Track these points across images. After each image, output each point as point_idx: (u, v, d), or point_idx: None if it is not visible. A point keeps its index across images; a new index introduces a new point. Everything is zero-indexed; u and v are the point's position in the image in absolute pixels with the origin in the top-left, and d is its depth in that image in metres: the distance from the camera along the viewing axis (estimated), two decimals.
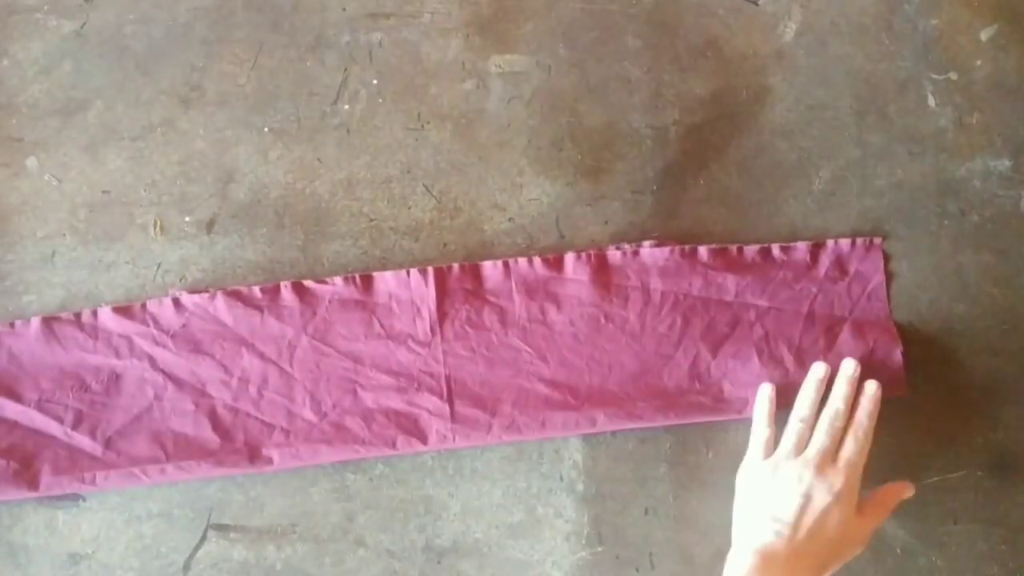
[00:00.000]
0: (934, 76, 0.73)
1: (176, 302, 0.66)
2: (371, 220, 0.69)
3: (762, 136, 0.71)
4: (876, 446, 0.66)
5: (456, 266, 0.67)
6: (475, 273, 0.67)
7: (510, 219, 0.70)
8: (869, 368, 0.65)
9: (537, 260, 0.67)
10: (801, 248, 0.68)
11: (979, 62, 0.73)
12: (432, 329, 0.66)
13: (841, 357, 0.65)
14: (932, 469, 0.67)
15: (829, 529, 0.57)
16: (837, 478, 0.58)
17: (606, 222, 0.70)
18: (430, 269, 0.66)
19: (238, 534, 0.64)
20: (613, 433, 0.66)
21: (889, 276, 0.69)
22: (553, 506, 0.65)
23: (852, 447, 0.59)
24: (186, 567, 0.64)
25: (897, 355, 0.66)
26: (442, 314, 0.66)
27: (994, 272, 0.70)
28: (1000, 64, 0.73)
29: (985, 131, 0.72)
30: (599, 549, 0.65)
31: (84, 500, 0.65)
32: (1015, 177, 0.71)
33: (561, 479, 0.66)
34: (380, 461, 0.65)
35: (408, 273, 0.67)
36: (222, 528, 0.64)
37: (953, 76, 0.73)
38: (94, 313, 0.66)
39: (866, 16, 0.74)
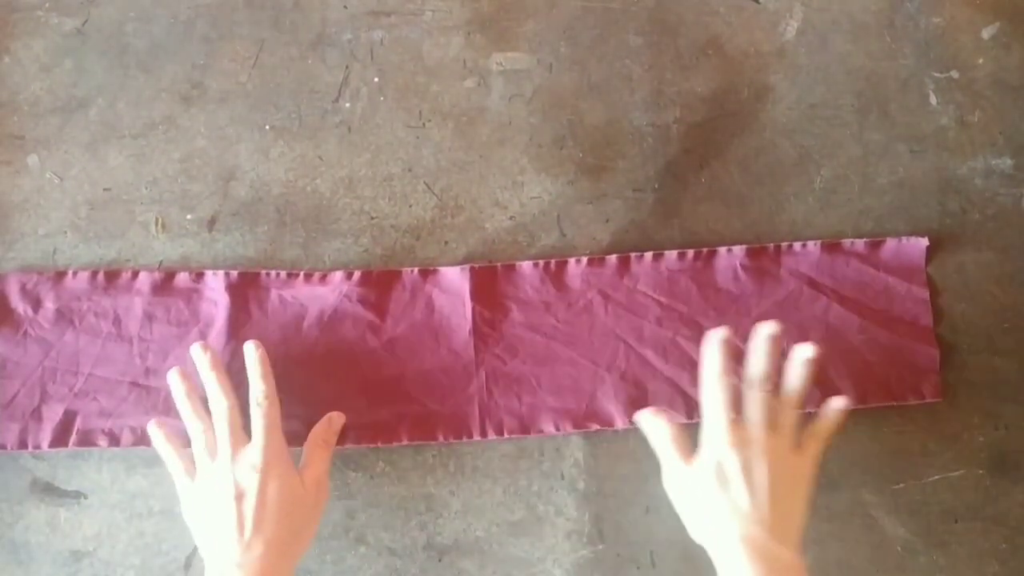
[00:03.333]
0: (936, 74, 0.73)
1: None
2: (372, 218, 0.69)
3: (763, 134, 0.71)
4: (878, 444, 0.66)
5: (499, 266, 0.67)
6: (518, 273, 0.68)
7: (511, 217, 0.70)
8: (906, 373, 0.67)
9: (584, 260, 0.68)
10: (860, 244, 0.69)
11: (981, 60, 0.73)
12: (471, 329, 0.66)
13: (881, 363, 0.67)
14: (933, 467, 0.67)
15: (782, 485, 0.55)
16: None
17: (607, 220, 0.70)
18: (468, 267, 0.67)
19: None
20: (614, 431, 0.66)
21: None
22: (554, 504, 0.66)
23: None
24: (187, 564, 0.64)
25: (934, 358, 0.67)
26: (480, 313, 0.66)
27: (995, 270, 0.70)
28: (1002, 62, 0.73)
29: (987, 129, 0.72)
30: (600, 547, 0.65)
31: (86, 497, 0.65)
32: (1017, 176, 0.71)
33: (562, 477, 0.66)
34: (381, 459, 0.65)
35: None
36: None
37: (955, 74, 0.73)
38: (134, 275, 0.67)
39: (868, 14, 0.74)
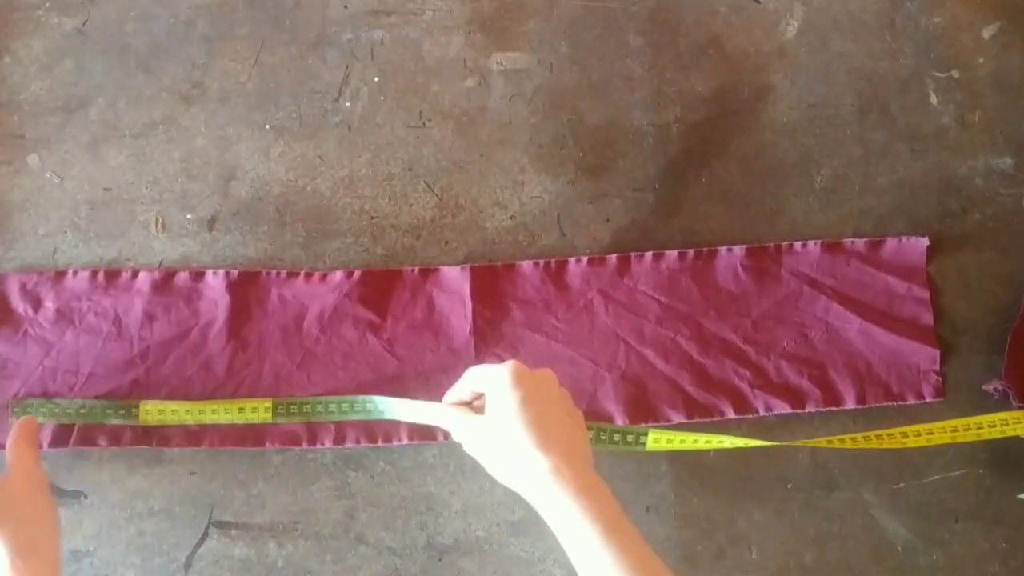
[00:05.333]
0: (936, 74, 0.73)
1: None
2: (372, 218, 0.69)
3: (764, 134, 0.71)
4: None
5: (499, 265, 0.67)
6: (518, 272, 0.68)
7: (511, 217, 0.70)
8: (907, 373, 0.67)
9: (584, 259, 0.68)
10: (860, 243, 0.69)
11: (981, 60, 0.73)
12: (472, 329, 0.66)
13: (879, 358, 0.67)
14: (933, 467, 0.67)
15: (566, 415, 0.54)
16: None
17: (608, 220, 0.70)
18: (468, 266, 0.67)
19: (239, 531, 0.64)
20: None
21: None
22: None
23: None
24: (187, 564, 0.64)
25: (935, 360, 0.67)
26: (480, 312, 0.66)
27: (996, 270, 0.70)
28: (1002, 62, 0.73)
29: (987, 129, 0.72)
30: None
31: (86, 497, 0.65)
32: (1017, 175, 0.71)
33: None
34: (382, 459, 0.65)
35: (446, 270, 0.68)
36: (223, 525, 0.64)
37: (955, 74, 0.73)
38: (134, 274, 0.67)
39: (868, 14, 0.74)
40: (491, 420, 0.53)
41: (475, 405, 0.56)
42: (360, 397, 0.64)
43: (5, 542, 0.52)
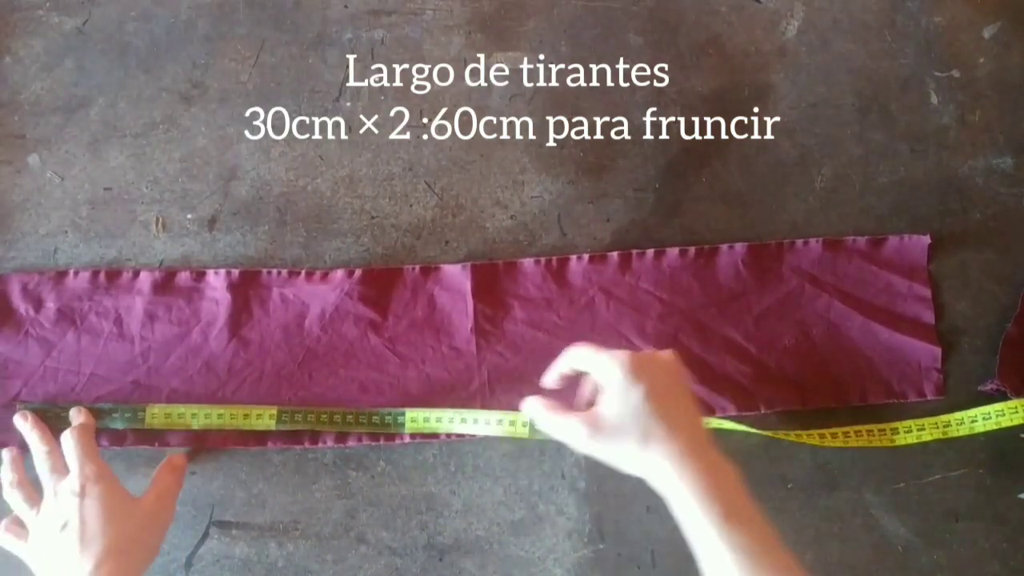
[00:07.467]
0: (937, 74, 0.73)
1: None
2: (373, 217, 0.69)
3: (764, 134, 0.71)
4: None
5: (501, 263, 0.68)
6: (520, 270, 0.68)
7: (512, 216, 0.70)
8: (908, 367, 0.67)
9: (585, 257, 0.68)
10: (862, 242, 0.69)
11: (982, 60, 0.73)
12: (473, 327, 0.66)
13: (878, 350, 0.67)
14: (934, 467, 0.67)
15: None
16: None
17: (608, 219, 0.70)
18: (469, 264, 0.67)
19: (240, 531, 0.64)
20: None
21: None
22: (555, 503, 0.65)
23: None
24: (188, 564, 0.64)
25: (936, 356, 0.67)
26: (482, 310, 0.66)
27: (996, 269, 0.70)
28: (1003, 62, 0.73)
29: (987, 129, 0.72)
30: (600, 546, 0.65)
31: None
32: (1017, 175, 0.71)
33: (563, 476, 0.66)
34: (382, 458, 0.65)
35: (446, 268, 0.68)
36: (224, 525, 0.64)
37: (956, 74, 0.73)
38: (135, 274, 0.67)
39: (868, 13, 0.74)
40: (611, 416, 0.52)
41: (587, 398, 0.57)
42: (380, 409, 0.65)
43: (115, 565, 0.54)
